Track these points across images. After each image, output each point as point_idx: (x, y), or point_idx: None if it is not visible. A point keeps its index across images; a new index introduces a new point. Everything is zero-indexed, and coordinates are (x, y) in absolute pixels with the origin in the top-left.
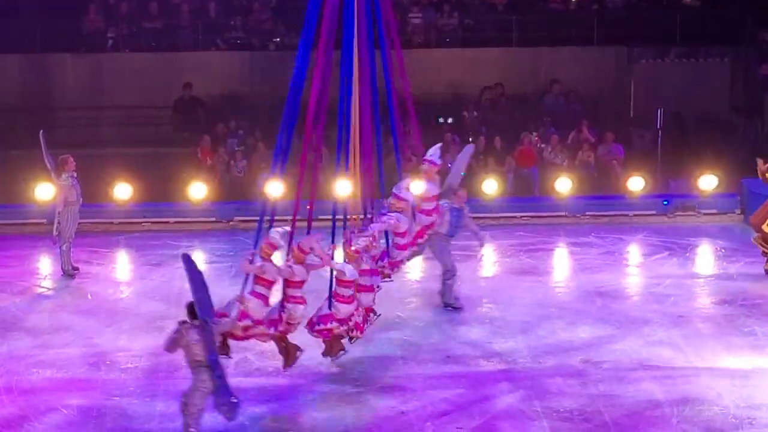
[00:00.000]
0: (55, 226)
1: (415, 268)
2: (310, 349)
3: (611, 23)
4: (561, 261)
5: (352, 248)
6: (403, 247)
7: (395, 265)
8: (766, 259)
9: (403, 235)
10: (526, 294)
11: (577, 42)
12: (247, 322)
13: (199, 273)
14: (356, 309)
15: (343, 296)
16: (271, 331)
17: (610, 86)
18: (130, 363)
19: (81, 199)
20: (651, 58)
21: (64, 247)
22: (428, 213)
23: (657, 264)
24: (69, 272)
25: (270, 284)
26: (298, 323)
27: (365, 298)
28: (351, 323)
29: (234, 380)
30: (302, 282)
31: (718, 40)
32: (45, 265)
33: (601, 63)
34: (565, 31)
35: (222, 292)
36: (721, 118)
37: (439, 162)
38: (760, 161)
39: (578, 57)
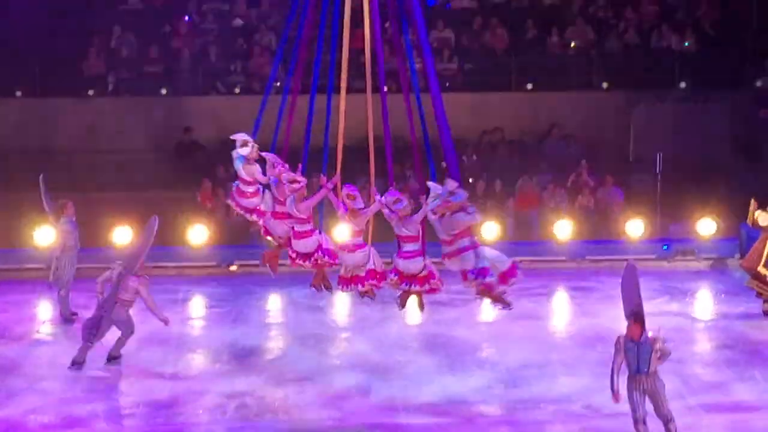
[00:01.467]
0: (52, 271)
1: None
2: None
3: (610, 67)
4: (561, 305)
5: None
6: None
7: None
8: (763, 300)
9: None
10: (526, 339)
11: (577, 86)
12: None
13: None
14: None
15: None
16: None
17: (610, 130)
18: (128, 409)
19: (79, 244)
20: (650, 102)
21: (62, 292)
22: None
23: (657, 308)
24: (68, 317)
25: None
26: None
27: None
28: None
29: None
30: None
31: (717, 84)
32: (44, 310)
33: (601, 107)
34: (564, 76)
35: (222, 336)
36: (721, 162)
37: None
38: (753, 203)
39: (577, 101)
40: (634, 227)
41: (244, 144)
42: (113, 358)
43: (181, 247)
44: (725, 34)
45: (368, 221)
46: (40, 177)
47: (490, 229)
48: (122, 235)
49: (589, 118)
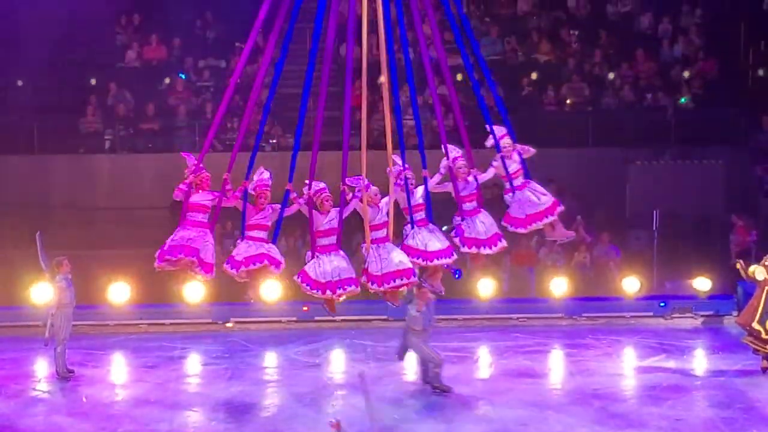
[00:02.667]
0: (47, 328)
1: (411, 368)
2: None
3: (606, 124)
4: (558, 363)
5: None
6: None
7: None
8: (761, 356)
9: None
10: (522, 396)
11: (572, 143)
12: None
13: None
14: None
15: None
16: None
17: (606, 187)
18: None
19: (75, 302)
20: (646, 159)
21: (58, 350)
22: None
23: (654, 366)
24: (64, 375)
25: None
26: None
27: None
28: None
29: None
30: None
31: (712, 141)
32: (40, 367)
33: (596, 164)
34: (560, 133)
35: (218, 394)
36: (717, 218)
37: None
38: (740, 264)
39: (573, 158)
40: (631, 284)
41: None
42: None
43: (177, 304)
44: (721, 90)
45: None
46: (37, 234)
47: (486, 286)
48: (119, 292)
49: (585, 174)
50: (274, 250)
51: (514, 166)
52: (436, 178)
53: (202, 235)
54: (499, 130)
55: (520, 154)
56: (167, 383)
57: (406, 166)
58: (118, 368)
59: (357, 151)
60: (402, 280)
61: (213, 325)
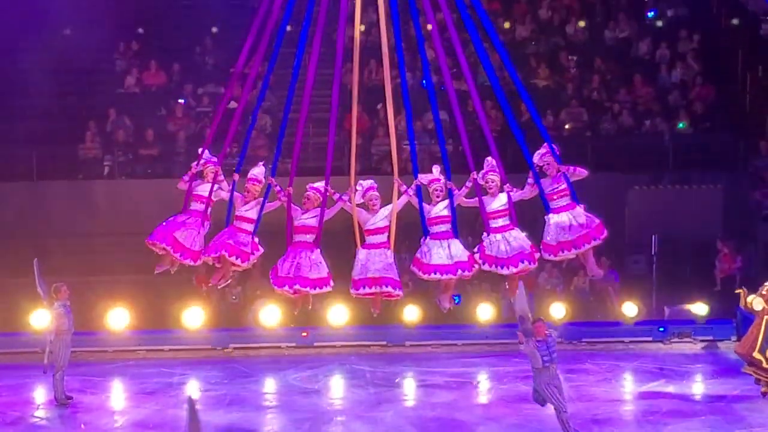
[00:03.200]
0: (46, 355)
1: (410, 394)
2: None
3: (604, 150)
4: None
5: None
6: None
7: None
8: (762, 383)
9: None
10: (523, 421)
11: None
12: None
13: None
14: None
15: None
16: None
17: (604, 212)
18: None
19: (73, 328)
20: (644, 184)
21: (57, 376)
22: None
23: (654, 391)
24: (62, 401)
25: None
26: None
27: None
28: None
29: None
30: None
31: (710, 166)
32: (39, 394)
33: (595, 189)
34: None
35: (217, 420)
36: (716, 243)
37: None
38: (742, 291)
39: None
40: (630, 309)
41: None
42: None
43: (176, 330)
44: (719, 116)
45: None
46: (34, 261)
47: (485, 311)
48: (117, 318)
49: (583, 199)
50: (241, 243)
51: (555, 186)
52: (463, 191)
53: (193, 222)
54: (542, 149)
55: (565, 175)
56: (166, 409)
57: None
58: (117, 394)
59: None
60: (381, 288)
61: (212, 350)
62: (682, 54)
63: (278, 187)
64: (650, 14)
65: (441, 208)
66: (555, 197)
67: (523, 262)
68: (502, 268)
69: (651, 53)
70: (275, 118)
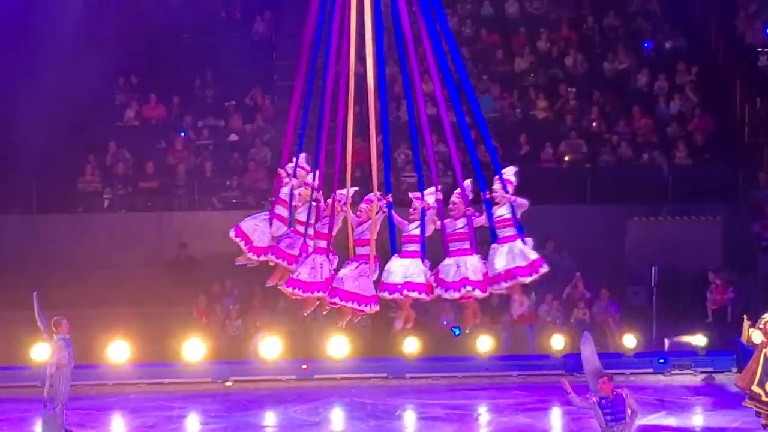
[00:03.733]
0: (46, 389)
1: (410, 427)
2: None
3: (604, 181)
4: (558, 420)
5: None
6: None
7: None
8: (763, 415)
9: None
10: None
11: (570, 200)
12: None
13: None
14: None
15: None
16: None
17: (604, 244)
18: None
19: (73, 361)
20: (644, 215)
21: (57, 410)
22: None
23: (654, 424)
24: None
25: None
26: None
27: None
28: None
29: None
30: None
31: (709, 198)
32: (39, 428)
33: (595, 221)
34: (558, 190)
35: None
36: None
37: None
38: (746, 321)
39: (571, 215)
40: (630, 341)
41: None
42: None
43: (176, 363)
44: (717, 147)
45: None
46: (34, 295)
47: (485, 343)
48: (118, 351)
49: (583, 231)
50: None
51: (501, 213)
52: (432, 211)
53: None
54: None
55: (512, 206)
56: None
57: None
58: (117, 428)
59: None
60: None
61: (212, 383)
62: (681, 86)
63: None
64: (645, 45)
65: (413, 227)
66: (499, 224)
67: (465, 287)
68: (446, 291)
69: (649, 85)
70: (275, 150)
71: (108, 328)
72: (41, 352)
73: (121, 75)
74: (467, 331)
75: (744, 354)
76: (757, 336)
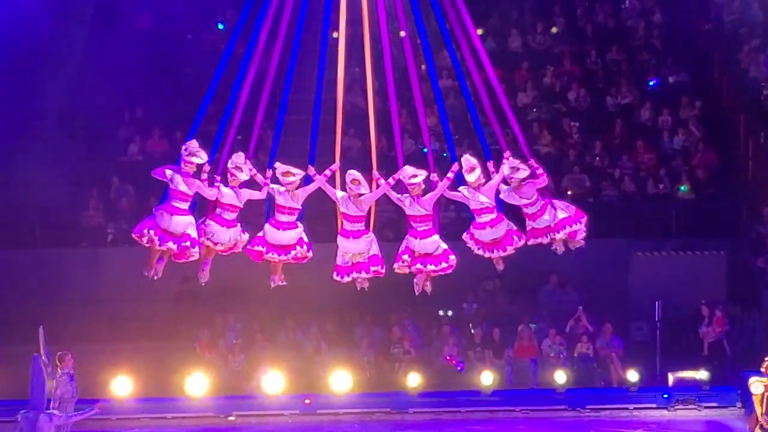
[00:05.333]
0: None
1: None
2: None
3: (607, 216)
4: None
5: None
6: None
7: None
8: None
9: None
10: None
11: None
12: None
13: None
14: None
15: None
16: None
17: (608, 278)
18: None
19: (77, 396)
20: (647, 250)
21: None
22: None
23: None
24: None
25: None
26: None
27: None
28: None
29: None
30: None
31: (713, 232)
32: None
33: (598, 256)
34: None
35: None
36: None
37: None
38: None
39: (575, 249)
40: (634, 376)
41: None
42: None
43: (179, 397)
44: (721, 181)
45: (371, 207)
46: (40, 329)
47: (488, 378)
48: (121, 386)
49: (586, 265)
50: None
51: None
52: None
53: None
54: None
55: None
56: None
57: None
58: None
59: None
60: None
61: (215, 418)
62: (684, 120)
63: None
64: (651, 83)
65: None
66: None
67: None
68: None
69: (653, 119)
70: None
71: (111, 363)
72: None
73: (124, 109)
74: None
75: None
76: (756, 387)
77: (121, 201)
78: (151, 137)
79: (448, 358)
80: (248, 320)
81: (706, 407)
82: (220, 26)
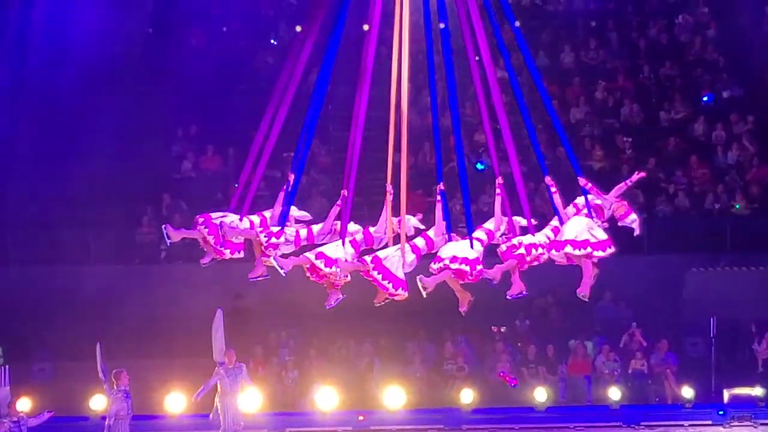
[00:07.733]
0: None
1: None
2: None
3: (661, 232)
4: None
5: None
6: None
7: None
8: None
9: None
10: None
11: (628, 250)
12: None
13: None
14: None
15: None
16: None
17: (662, 294)
18: None
19: (132, 413)
20: (702, 266)
21: None
22: None
23: None
24: None
25: None
26: None
27: None
28: None
29: None
30: None
31: None
32: None
33: (652, 271)
34: (615, 239)
35: None
36: None
37: None
38: None
39: (629, 264)
40: (688, 392)
41: None
42: None
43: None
44: None
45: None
46: (97, 345)
47: (542, 394)
48: (175, 402)
49: (641, 281)
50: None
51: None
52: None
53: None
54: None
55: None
56: None
57: None
58: None
59: None
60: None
61: None
62: (738, 135)
63: None
64: (705, 98)
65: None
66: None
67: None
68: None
69: (707, 134)
70: (332, 200)
71: (165, 379)
72: (99, 402)
73: (178, 126)
74: None
75: None
76: None
77: (174, 217)
78: (204, 154)
79: (501, 374)
80: (301, 337)
81: (761, 424)
82: (273, 42)
